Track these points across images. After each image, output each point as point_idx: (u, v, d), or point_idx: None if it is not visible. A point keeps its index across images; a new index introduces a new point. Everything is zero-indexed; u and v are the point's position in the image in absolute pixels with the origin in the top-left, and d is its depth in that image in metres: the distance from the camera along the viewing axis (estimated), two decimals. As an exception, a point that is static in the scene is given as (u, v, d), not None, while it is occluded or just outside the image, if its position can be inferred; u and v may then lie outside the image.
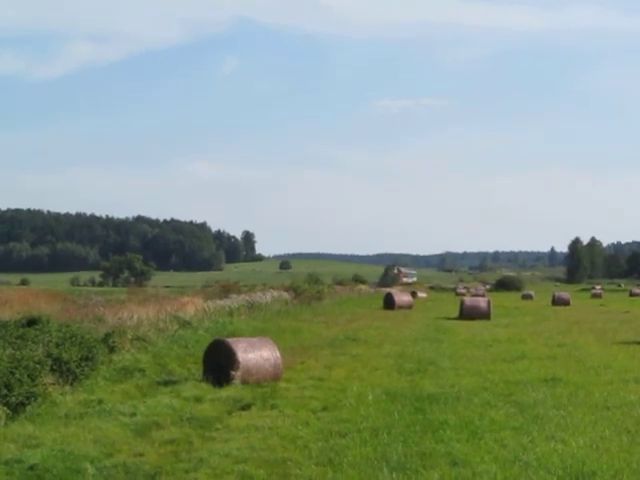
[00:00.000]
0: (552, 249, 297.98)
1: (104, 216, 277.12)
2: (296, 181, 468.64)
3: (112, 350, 15.94)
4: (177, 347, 18.40)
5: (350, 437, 9.67)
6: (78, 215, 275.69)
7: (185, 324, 22.26)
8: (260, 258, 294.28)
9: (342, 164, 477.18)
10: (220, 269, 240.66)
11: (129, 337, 17.29)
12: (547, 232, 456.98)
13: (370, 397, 12.49)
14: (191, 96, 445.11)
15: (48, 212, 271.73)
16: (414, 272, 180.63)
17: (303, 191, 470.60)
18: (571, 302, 53.76)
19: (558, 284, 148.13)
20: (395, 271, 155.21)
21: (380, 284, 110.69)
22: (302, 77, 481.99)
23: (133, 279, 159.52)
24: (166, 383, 13.89)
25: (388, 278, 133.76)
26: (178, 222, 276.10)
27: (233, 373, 13.78)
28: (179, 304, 26.60)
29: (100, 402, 11.73)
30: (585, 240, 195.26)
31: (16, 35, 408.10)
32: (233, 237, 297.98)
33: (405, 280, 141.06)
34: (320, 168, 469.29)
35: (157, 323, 20.85)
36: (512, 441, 9.39)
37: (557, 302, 53.33)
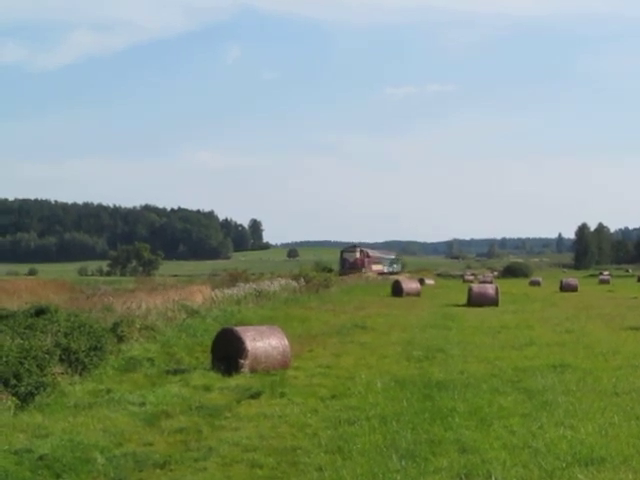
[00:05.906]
0: (559, 235, 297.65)
1: (111, 205, 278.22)
2: (303, 169, 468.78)
3: (121, 340, 15.96)
4: (185, 336, 18.39)
5: (359, 425, 9.67)
6: (85, 205, 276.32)
7: (193, 313, 22.26)
8: (267, 246, 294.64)
9: (348, 151, 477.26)
10: (228, 258, 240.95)
11: (137, 326, 17.30)
12: (554, 218, 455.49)
13: (379, 385, 12.50)
14: (195, 85, 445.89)
15: (55, 202, 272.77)
16: (393, 257, 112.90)
17: (310, 179, 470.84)
18: (579, 288, 53.69)
19: (566, 270, 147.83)
20: (357, 255, 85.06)
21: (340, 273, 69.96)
22: (306, 64, 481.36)
23: (141, 268, 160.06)
24: (175, 372, 13.92)
25: (346, 265, 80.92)
26: (185, 211, 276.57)
27: (242, 362, 13.79)
28: (187, 293, 26.63)
29: (109, 392, 11.74)
30: (592, 226, 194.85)
31: (17, 24, 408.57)
32: (240, 225, 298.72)
33: (376, 269, 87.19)
34: (326, 155, 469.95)
35: (165, 312, 20.85)
36: (521, 427, 9.37)
37: (565, 288, 53.26)
